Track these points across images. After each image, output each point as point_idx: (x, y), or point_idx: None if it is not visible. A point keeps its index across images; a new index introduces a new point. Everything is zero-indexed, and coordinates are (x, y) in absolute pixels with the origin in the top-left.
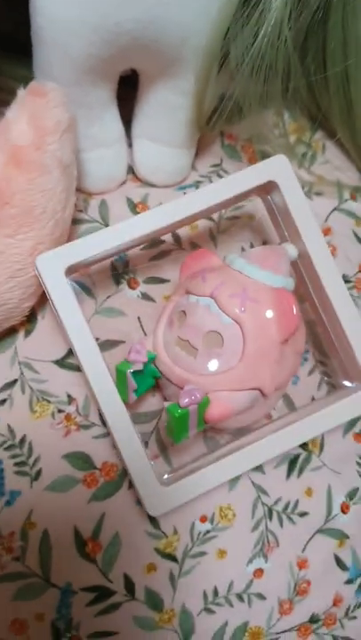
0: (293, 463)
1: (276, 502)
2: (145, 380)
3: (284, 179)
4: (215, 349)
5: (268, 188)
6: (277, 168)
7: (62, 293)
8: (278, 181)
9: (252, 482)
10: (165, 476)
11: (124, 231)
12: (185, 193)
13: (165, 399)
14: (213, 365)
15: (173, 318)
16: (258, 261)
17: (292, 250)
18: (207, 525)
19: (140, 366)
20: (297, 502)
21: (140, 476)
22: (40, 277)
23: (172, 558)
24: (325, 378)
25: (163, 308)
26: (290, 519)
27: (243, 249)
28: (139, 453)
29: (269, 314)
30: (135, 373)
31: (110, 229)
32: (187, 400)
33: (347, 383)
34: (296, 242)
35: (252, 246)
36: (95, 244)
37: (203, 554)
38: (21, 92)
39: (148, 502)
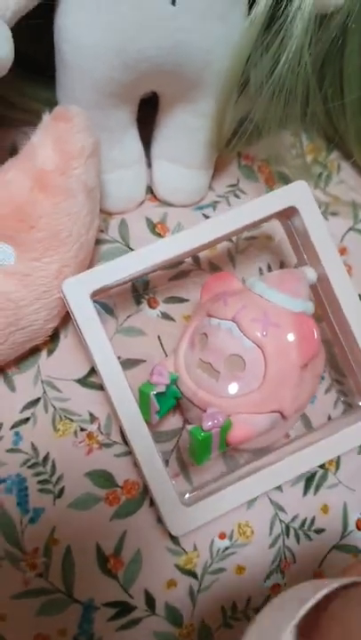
0: (310, 481)
1: (293, 519)
2: (167, 402)
3: (305, 204)
4: (237, 373)
5: (288, 213)
6: (298, 194)
7: (88, 317)
8: (299, 207)
9: (270, 499)
10: (187, 496)
11: (147, 256)
12: (203, 213)
13: (187, 420)
14: (235, 388)
15: (195, 340)
16: (278, 285)
17: (311, 273)
18: (226, 542)
19: (162, 388)
20: (313, 519)
21: (162, 496)
22: (66, 301)
23: (192, 574)
24: (342, 397)
25: (184, 329)
26: (306, 536)
27: (261, 270)
28: (160, 473)
29: (290, 338)
30: (157, 395)
31: (134, 254)
32: (210, 423)
33: None
34: (315, 265)
35: (270, 267)
36: (120, 269)
37: (222, 570)
38: (46, 117)
39: (169, 522)
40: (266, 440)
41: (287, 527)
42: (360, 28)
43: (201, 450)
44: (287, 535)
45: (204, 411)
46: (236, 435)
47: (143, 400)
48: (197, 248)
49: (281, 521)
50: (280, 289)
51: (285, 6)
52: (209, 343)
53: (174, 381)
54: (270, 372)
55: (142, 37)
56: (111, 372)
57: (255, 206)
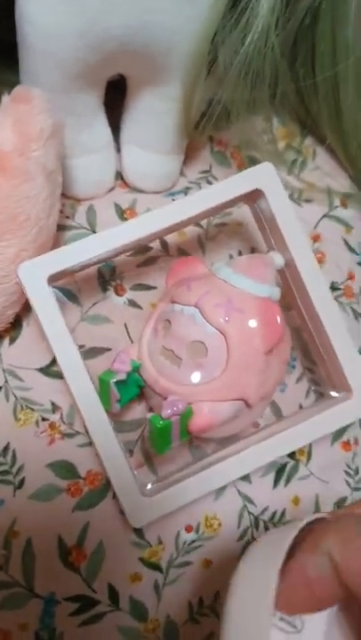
0: (280, 472)
1: (262, 512)
2: (129, 390)
3: (270, 187)
4: (199, 359)
5: (254, 196)
6: (263, 176)
7: (44, 302)
8: (264, 189)
9: (239, 491)
10: (149, 486)
11: (107, 239)
12: (174, 199)
13: (150, 409)
14: (197, 376)
15: (158, 327)
16: (243, 270)
17: (278, 258)
18: (192, 535)
19: (123, 376)
20: (284, 511)
21: (123, 488)
22: (22, 286)
23: (157, 568)
24: (313, 386)
25: (148, 316)
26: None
27: (231, 256)
28: (121, 464)
29: (253, 324)
30: (118, 383)
31: (94, 237)
32: (169, 411)
33: (333, 393)
34: (282, 250)
35: (240, 254)
36: (78, 252)
37: (188, 563)
38: (5, 99)
39: (130, 513)
40: (232, 429)
41: (256, 519)
42: (331, 5)
43: (160, 438)
44: (256, 528)
45: (166, 399)
46: (197, 423)
47: (103, 389)
48: (161, 231)
49: (250, 513)
50: (246, 274)
51: None
52: (172, 330)
53: (137, 369)
54: (233, 358)
55: (108, 17)
56: (69, 360)
57: (220, 189)
